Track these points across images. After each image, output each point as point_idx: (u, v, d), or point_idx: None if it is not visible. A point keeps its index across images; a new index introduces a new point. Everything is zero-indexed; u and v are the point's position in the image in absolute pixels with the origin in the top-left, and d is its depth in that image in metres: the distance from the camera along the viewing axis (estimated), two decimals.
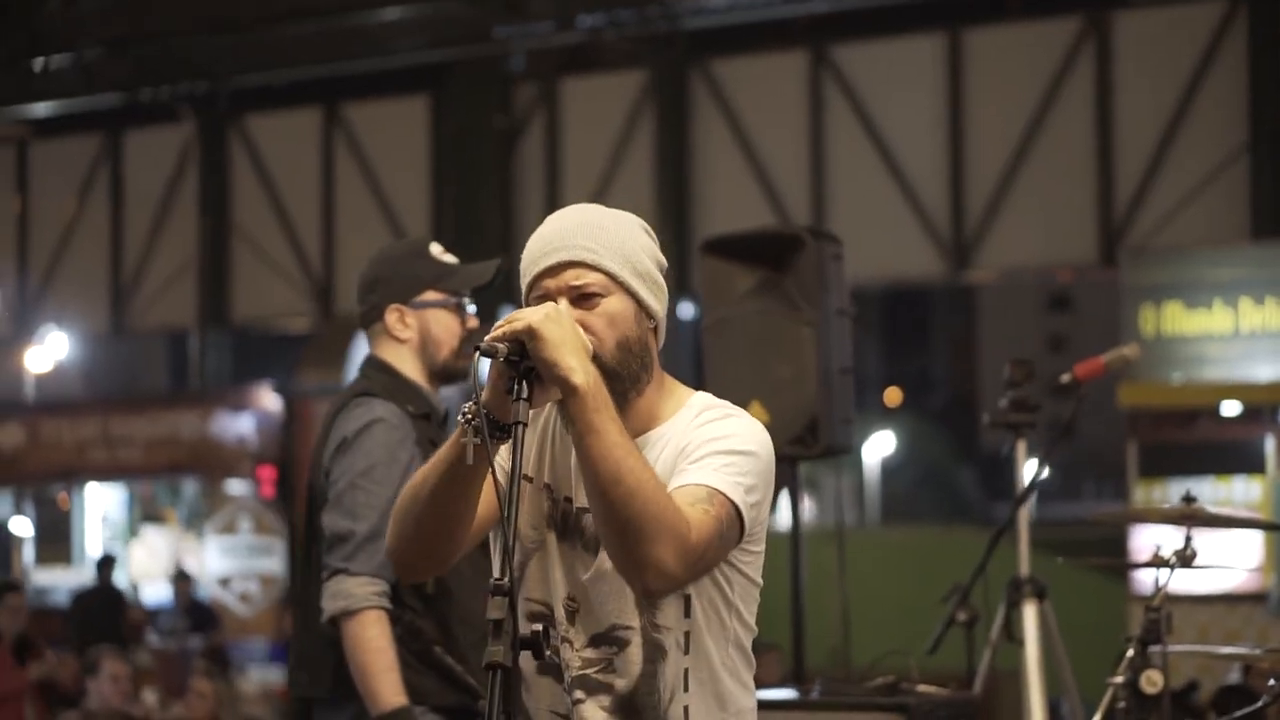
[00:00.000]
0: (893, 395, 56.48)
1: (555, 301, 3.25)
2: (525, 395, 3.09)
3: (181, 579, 17.14)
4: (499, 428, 3.13)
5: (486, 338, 3.11)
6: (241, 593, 17.36)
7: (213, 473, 17.94)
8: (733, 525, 3.21)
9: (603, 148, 17.45)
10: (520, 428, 3.07)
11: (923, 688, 5.80)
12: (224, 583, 17.37)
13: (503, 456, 3.31)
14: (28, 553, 19.18)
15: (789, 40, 17.00)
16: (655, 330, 3.37)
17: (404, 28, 16.99)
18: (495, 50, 17.33)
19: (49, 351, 20.97)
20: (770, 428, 6.03)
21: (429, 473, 3.23)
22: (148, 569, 18.21)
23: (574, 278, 3.27)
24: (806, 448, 6.24)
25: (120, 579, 17.83)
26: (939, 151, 16.48)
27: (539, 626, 3.01)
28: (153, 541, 18.51)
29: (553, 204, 17.00)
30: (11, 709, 11.28)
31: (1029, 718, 6.36)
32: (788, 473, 6.52)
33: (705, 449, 3.25)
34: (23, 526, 19.28)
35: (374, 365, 4.91)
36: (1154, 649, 5.21)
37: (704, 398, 3.40)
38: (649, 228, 3.40)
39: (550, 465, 3.39)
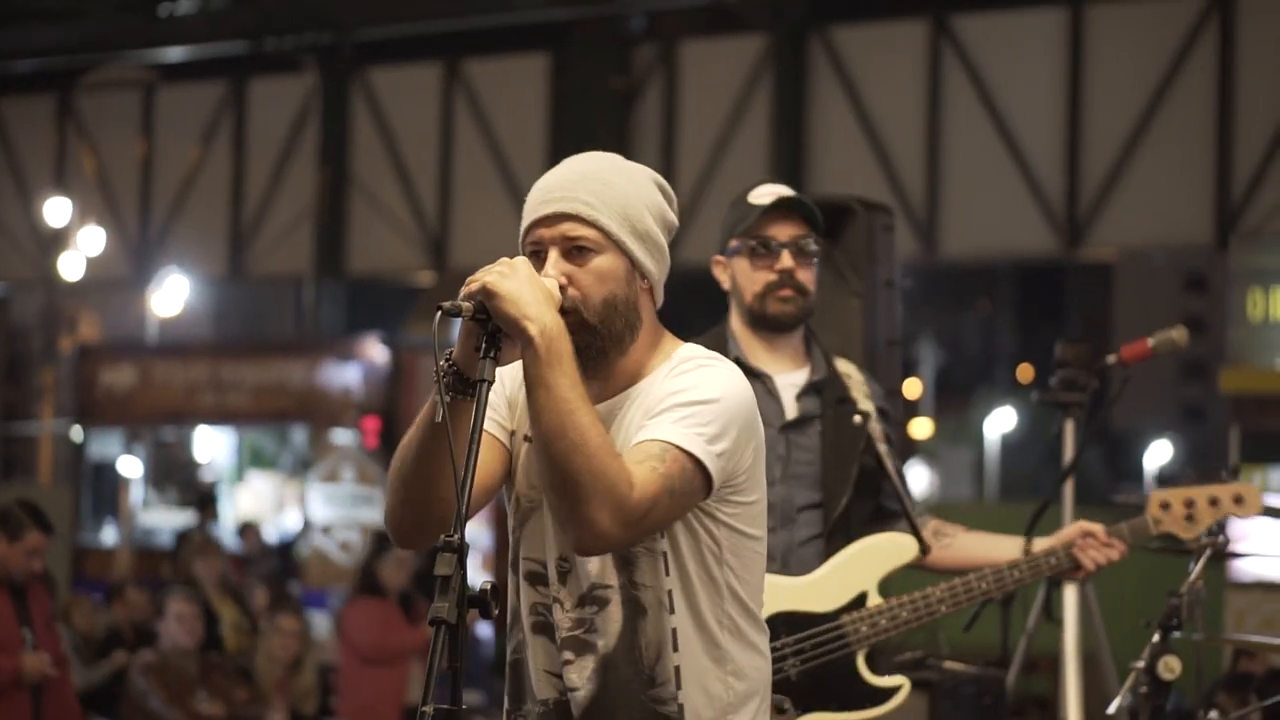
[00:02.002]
0: (1025, 372, 56.19)
1: (547, 251, 3.26)
2: (491, 354, 3.09)
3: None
4: (468, 385, 3.13)
5: (459, 296, 3.12)
6: (342, 541, 17.48)
7: (318, 421, 18.07)
8: (690, 479, 3.15)
9: (719, 111, 17.40)
10: (484, 385, 3.06)
11: (949, 664, 5.76)
12: (325, 530, 17.50)
13: (500, 414, 3.34)
14: (135, 493, 19.43)
15: (910, 9, 16.90)
16: (651, 290, 3.34)
17: None
18: (616, 10, 17.34)
19: (170, 295, 21.21)
20: None
21: (411, 435, 3.23)
22: (254, 513, 18.37)
23: (569, 230, 3.26)
24: None
25: (228, 521, 18.04)
26: (1056, 127, 16.30)
27: (488, 584, 2.96)
28: (258, 486, 18.68)
29: (668, 166, 16.98)
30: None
31: (1065, 698, 6.31)
32: None
33: (666, 402, 3.21)
34: (132, 467, 19.52)
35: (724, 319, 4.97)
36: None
37: (688, 349, 3.35)
38: (666, 186, 3.37)
39: None
